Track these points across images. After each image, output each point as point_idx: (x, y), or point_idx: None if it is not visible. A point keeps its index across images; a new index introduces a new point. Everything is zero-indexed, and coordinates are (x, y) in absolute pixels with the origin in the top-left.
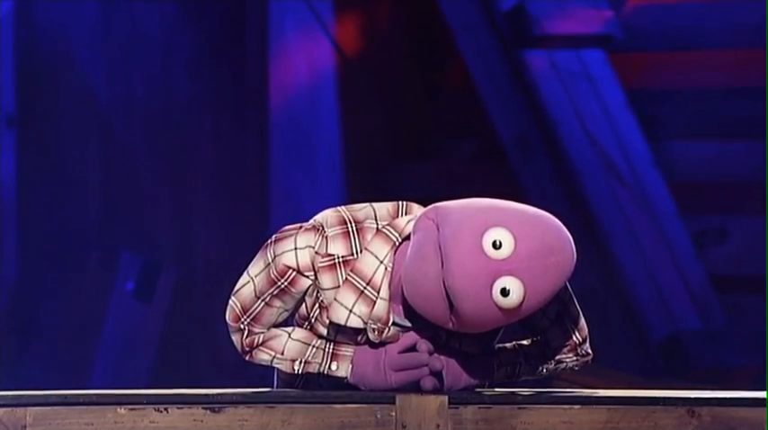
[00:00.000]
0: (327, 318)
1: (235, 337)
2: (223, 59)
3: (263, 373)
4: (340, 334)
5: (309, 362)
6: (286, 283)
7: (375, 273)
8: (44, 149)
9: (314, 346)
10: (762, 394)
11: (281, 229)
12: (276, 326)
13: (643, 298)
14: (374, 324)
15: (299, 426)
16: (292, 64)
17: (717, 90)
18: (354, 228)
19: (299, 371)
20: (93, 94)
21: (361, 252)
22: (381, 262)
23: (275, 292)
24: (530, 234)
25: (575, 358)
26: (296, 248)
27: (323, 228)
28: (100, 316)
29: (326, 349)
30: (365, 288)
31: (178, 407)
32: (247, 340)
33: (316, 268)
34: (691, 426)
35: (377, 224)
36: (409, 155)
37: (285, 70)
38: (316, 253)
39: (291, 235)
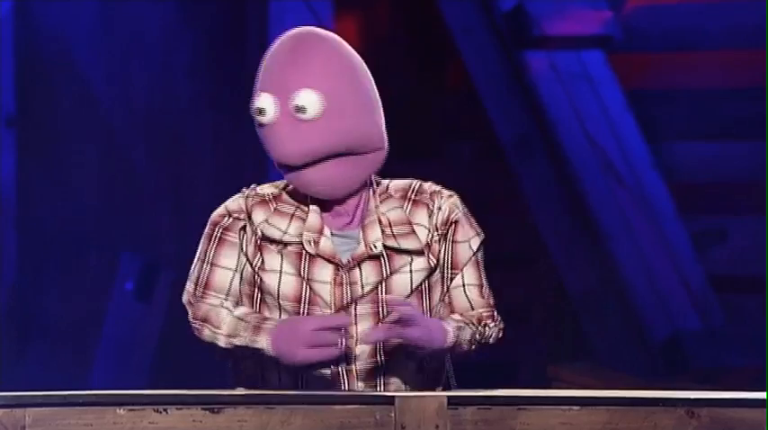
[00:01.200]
0: (262, 276)
1: (189, 315)
2: (223, 60)
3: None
4: (282, 299)
5: (237, 336)
6: (220, 231)
7: (302, 198)
8: (44, 149)
9: (245, 321)
10: (761, 395)
11: None
12: (238, 302)
13: (643, 298)
14: (309, 235)
15: (298, 427)
16: None
17: (716, 91)
18: (279, 182)
19: (229, 345)
20: (93, 95)
21: (285, 188)
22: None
23: (214, 246)
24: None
25: (492, 323)
26: (226, 203)
27: (253, 186)
28: (99, 316)
29: (252, 323)
30: (296, 209)
31: (177, 408)
32: (197, 314)
33: (248, 207)
34: (690, 427)
35: None
36: (409, 155)
37: None
38: (246, 197)
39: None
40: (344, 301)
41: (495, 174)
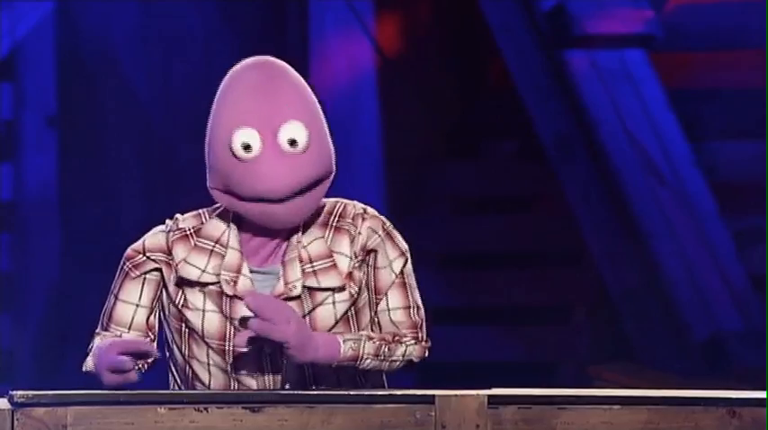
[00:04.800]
0: (183, 314)
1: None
2: None
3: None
4: (207, 338)
5: (85, 366)
6: (129, 267)
7: (222, 233)
8: (85, 149)
9: (92, 353)
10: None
11: None
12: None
13: (684, 298)
14: (227, 274)
15: (338, 426)
16: (333, 64)
17: (757, 90)
18: (204, 210)
19: (85, 370)
20: (134, 94)
21: (208, 220)
22: (228, 223)
23: (120, 281)
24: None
25: (413, 340)
26: (145, 238)
27: (174, 218)
28: None
29: (94, 346)
30: (214, 246)
31: (218, 407)
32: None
33: (169, 244)
34: (731, 427)
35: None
36: (449, 154)
37: (326, 70)
38: (168, 231)
39: (144, 236)
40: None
41: (535, 174)
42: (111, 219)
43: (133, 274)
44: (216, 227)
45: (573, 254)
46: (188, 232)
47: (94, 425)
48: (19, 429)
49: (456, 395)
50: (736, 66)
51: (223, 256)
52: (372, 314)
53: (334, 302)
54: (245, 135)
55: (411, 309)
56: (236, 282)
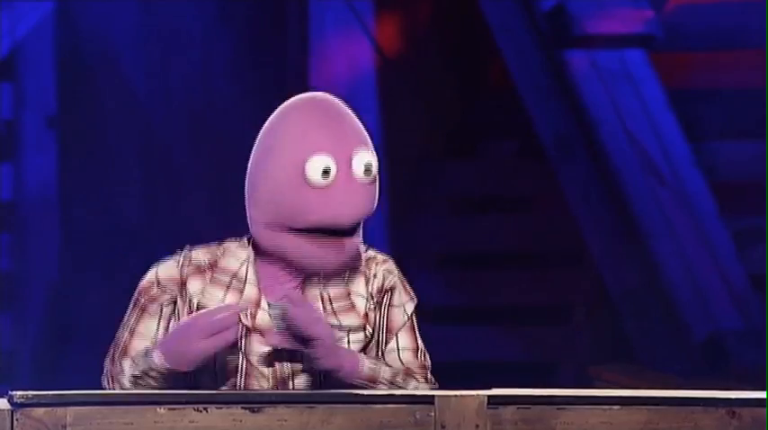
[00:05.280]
0: None
1: (104, 374)
2: (263, 59)
3: None
4: (218, 370)
5: (138, 369)
6: (144, 300)
7: (240, 266)
8: (85, 150)
9: (137, 356)
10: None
11: None
12: None
13: (684, 298)
14: (246, 309)
15: (338, 426)
16: (332, 64)
17: (757, 90)
18: (215, 245)
19: (136, 376)
20: (134, 94)
21: (223, 255)
22: (245, 258)
23: (136, 314)
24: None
25: (423, 379)
26: (158, 269)
27: (186, 250)
28: None
29: (142, 352)
30: (231, 281)
31: (217, 407)
32: (110, 375)
33: (182, 277)
34: (731, 427)
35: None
36: (449, 154)
37: (325, 70)
38: (181, 265)
39: (154, 267)
40: (284, 375)
41: (535, 174)
42: (110, 220)
43: (150, 309)
44: (232, 261)
45: (573, 254)
46: (203, 266)
47: (94, 426)
48: (18, 429)
49: (455, 395)
50: (736, 66)
51: (241, 291)
52: (379, 353)
53: (349, 342)
54: (322, 161)
55: (419, 352)
56: (254, 316)
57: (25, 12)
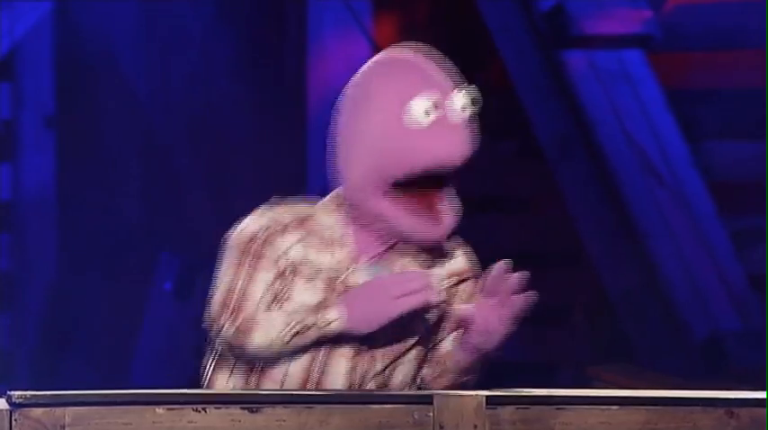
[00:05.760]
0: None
1: (223, 333)
2: (262, 60)
3: None
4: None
5: (303, 324)
6: (249, 252)
7: (329, 228)
8: (83, 150)
9: (294, 312)
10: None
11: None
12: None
13: (682, 298)
14: (339, 268)
15: (336, 426)
16: (331, 64)
17: (756, 90)
18: (296, 203)
19: (294, 334)
20: (132, 94)
21: (311, 215)
22: (335, 220)
23: (247, 268)
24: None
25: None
26: (244, 226)
27: (267, 207)
28: (139, 316)
29: (311, 305)
30: (323, 241)
31: (216, 407)
32: (236, 330)
33: (277, 230)
34: (730, 427)
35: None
36: None
37: (324, 70)
38: (268, 225)
39: (242, 223)
40: (363, 371)
41: (534, 174)
42: (109, 220)
43: (259, 263)
44: (323, 222)
45: (571, 254)
46: (291, 224)
47: (92, 426)
48: (17, 429)
49: (454, 395)
50: (735, 66)
51: (330, 251)
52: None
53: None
54: (422, 103)
55: None
56: (349, 275)
57: (24, 12)
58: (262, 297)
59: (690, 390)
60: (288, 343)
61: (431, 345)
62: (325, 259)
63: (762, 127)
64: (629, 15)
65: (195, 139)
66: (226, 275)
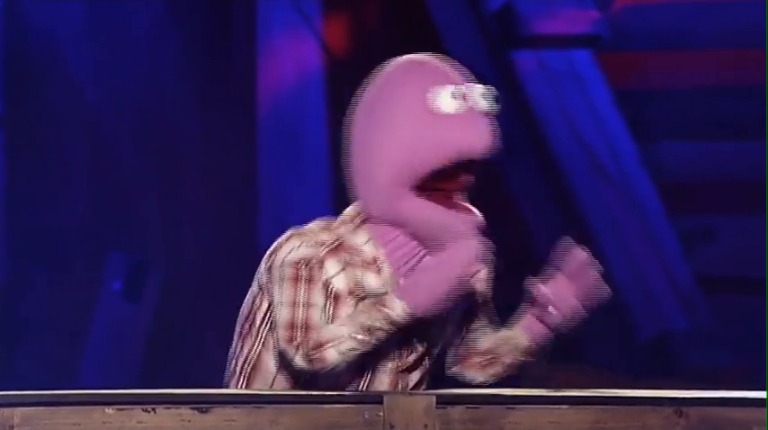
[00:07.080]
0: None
1: (297, 358)
2: (211, 59)
3: None
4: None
5: (368, 326)
6: (309, 270)
7: (364, 245)
8: (32, 150)
9: (352, 317)
10: (752, 394)
11: (268, 254)
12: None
13: (630, 298)
14: (385, 288)
15: (286, 427)
16: (280, 64)
17: (704, 90)
18: (327, 221)
19: (367, 337)
20: (81, 93)
21: (344, 235)
22: (367, 237)
23: (304, 288)
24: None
25: None
26: (291, 249)
27: (301, 231)
28: (88, 316)
29: (366, 306)
30: (363, 260)
31: (165, 407)
32: (308, 351)
33: (321, 255)
34: (678, 426)
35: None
36: None
37: (273, 70)
38: (310, 245)
39: (280, 245)
40: (406, 366)
41: (482, 173)
42: (57, 219)
43: (312, 279)
44: (356, 240)
45: (518, 253)
46: (332, 246)
47: (41, 426)
48: None
49: (404, 395)
50: (682, 66)
51: (374, 271)
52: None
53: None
54: (448, 91)
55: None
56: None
57: None
58: (320, 318)
59: (639, 390)
60: (360, 348)
61: (462, 334)
62: (371, 279)
63: (708, 126)
64: (578, 16)
65: (144, 139)
66: (284, 298)
